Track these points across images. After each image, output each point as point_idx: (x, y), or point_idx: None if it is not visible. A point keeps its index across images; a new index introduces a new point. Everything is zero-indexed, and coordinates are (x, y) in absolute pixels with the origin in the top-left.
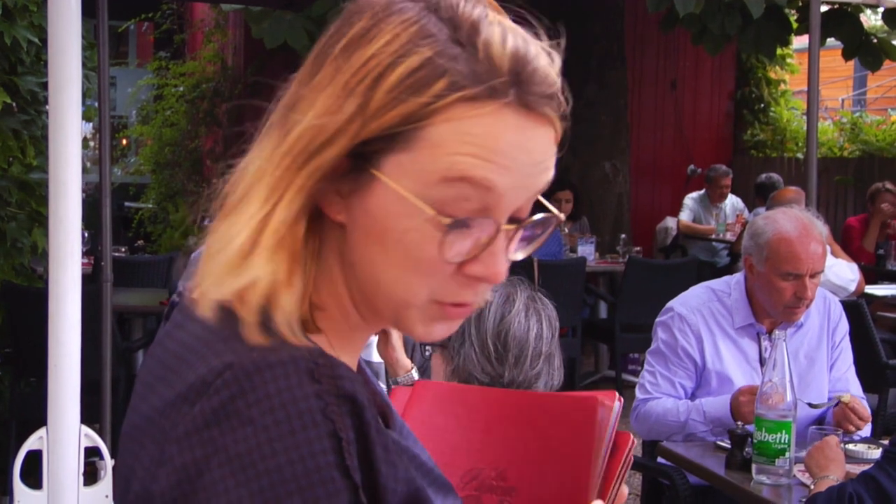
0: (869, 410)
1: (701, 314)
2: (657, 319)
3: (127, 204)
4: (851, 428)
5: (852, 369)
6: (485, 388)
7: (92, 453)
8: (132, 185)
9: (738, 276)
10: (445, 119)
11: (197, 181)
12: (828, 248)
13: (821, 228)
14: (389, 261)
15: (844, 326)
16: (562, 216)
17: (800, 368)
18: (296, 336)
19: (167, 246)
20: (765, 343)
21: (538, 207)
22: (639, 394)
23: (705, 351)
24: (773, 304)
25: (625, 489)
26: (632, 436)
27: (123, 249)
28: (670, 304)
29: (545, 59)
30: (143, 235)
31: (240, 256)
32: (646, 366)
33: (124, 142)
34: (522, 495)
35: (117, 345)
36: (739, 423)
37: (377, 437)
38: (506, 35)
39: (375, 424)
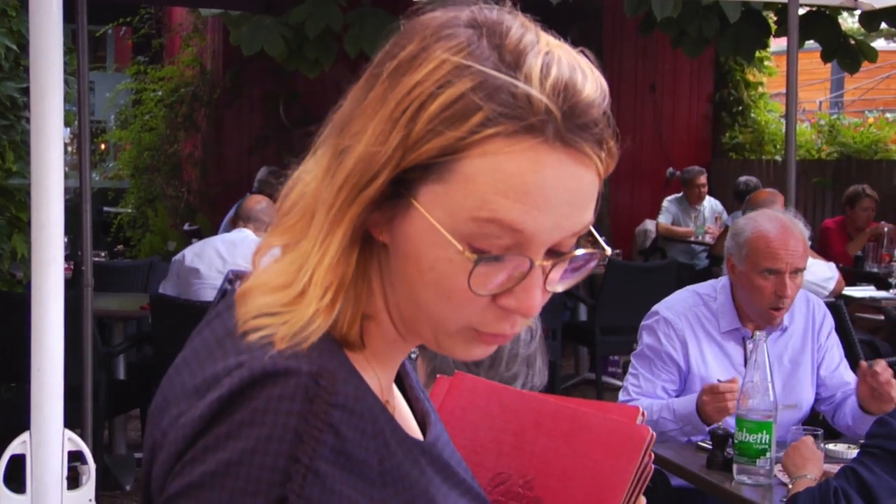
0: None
1: (687, 319)
2: (642, 323)
3: (106, 209)
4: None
5: (844, 363)
6: (524, 391)
7: (74, 458)
8: (111, 189)
9: (723, 280)
10: (480, 154)
11: (176, 186)
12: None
13: (801, 228)
14: (425, 286)
15: (829, 324)
16: (609, 250)
17: (784, 372)
18: (313, 352)
19: (147, 251)
20: (750, 347)
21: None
22: (622, 396)
23: (690, 356)
24: (753, 305)
25: (641, 500)
26: (650, 432)
27: (103, 254)
28: (656, 307)
29: (591, 88)
30: (123, 240)
31: (300, 293)
32: (630, 369)
33: (102, 147)
34: None
35: (98, 350)
36: (720, 424)
37: (362, 470)
38: (550, 67)
39: (363, 456)
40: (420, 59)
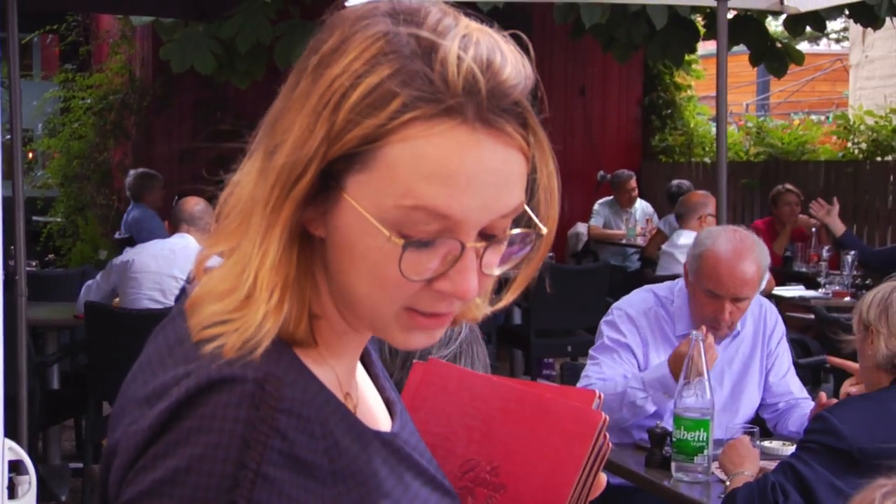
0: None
1: (647, 319)
2: (603, 319)
3: (35, 218)
4: None
5: (792, 371)
6: (494, 377)
7: (11, 468)
8: (39, 198)
9: (680, 283)
10: (401, 140)
11: (106, 194)
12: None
13: (759, 255)
14: (358, 275)
15: (780, 330)
16: (545, 229)
17: (734, 376)
18: (260, 357)
19: (77, 259)
20: None
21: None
22: (581, 384)
23: (649, 355)
24: (696, 316)
25: (602, 477)
26: (603, 416)
27: (34, 263)
28: (617, 304)
29: (511, 70)
30: (53, 249)
31: (246, 297)
32: (589, 361)
33: (30, 155)
34: (508, 494)
35: (32, 359)
36: (658, 422)
37: (312, 471)
38: (467, 48)
39: (312, 458)
40: (340, 51)
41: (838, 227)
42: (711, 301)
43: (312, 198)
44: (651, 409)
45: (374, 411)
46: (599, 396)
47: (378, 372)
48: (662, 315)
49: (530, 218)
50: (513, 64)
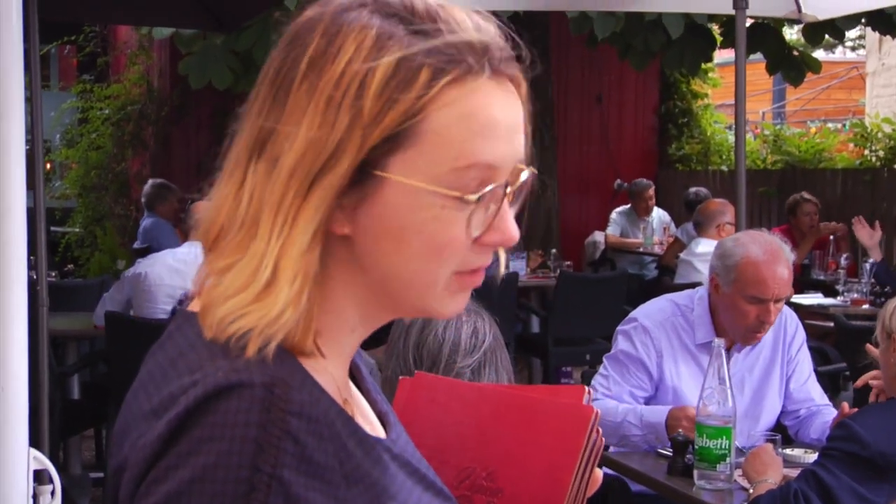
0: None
1: (664, 329)
2: (619, 327)
3: (53, 228)
4: None
5: (813, 377)
6: (482, 384)
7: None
8: (57, 209)
9: (701, 291)
10: (441, 106)
11: (124, 204)
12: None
13: (788, 254)
14: (410, 254)
15: (801, 337)
16: (534, 171)
17: (754, 383)
18: (271, 356)
19: (95, 270)
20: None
21: None
22: None
23: (664, 366)
24: (735, 326)
25: (598, 472)
26: (594, 409)
27: (53, 274)
28: (634, 314)
29: (495, 27)
30: (71, 259)
31: (265, 287)
32: (601, 368)
33: (48, 166)
34: (506, 497)
35: (52, 369)
36: (680, 430)
37: (324, 473)
38: (460, 13)
39: (324, 460)
40: (334, 47)
41: (877, 254)
42: (756, 307)
43: (344, 194)
44: (643, 447)
45: (370, 420)
46: (589, 392)
47: (368, 386)
48: (681, 324)
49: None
50: (490, 21)
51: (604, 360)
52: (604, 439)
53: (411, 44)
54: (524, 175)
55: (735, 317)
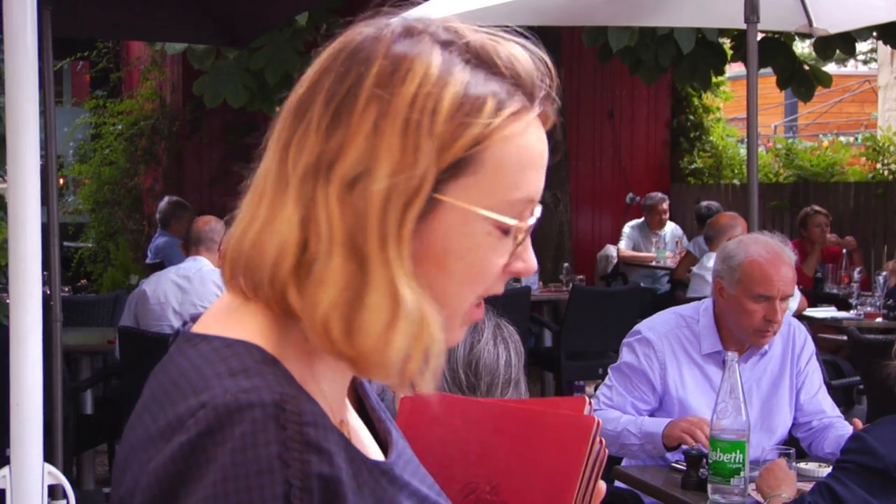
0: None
1: (668, 340)
2: (625, 340)
3: (66, 244)
4: None
5: (823, 389)
6: (483, 400)
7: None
8: (70, 224)
9: (706, 303)
10: (503, 137)
11: (137, 219)
12: None
13: (790, 253)
14: (448, 279)
15: (810, 349)
16: (539, 206)
17: (762, 395)
18: (269, 382)
19: (108, 285)
20: None
21: None
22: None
23: (668, 378)
24: (742, 328)
25: (601, 485)
26: (596, 419)
27: (67, 289)
28: (639, 326)
29: (537, 59)
30: (84, 275)
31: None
32: (606, 379)
33: (61, 181)
34: None
35: (66, 384)
36: (695, 443)
37: (350, 482)
38: (508, 44)
39: (348, 469)
40: (403, 69)
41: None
42: (762, 305)
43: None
44: (642, 457)
45: (366, 443)
46: (590, 403)
47: (374, 405)
48: (686, 335)
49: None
50: (537, 52)
51: (609, 371)
52: (607, 450)
53: (474, 74)
54: (538, 209)
55: (742, 318)
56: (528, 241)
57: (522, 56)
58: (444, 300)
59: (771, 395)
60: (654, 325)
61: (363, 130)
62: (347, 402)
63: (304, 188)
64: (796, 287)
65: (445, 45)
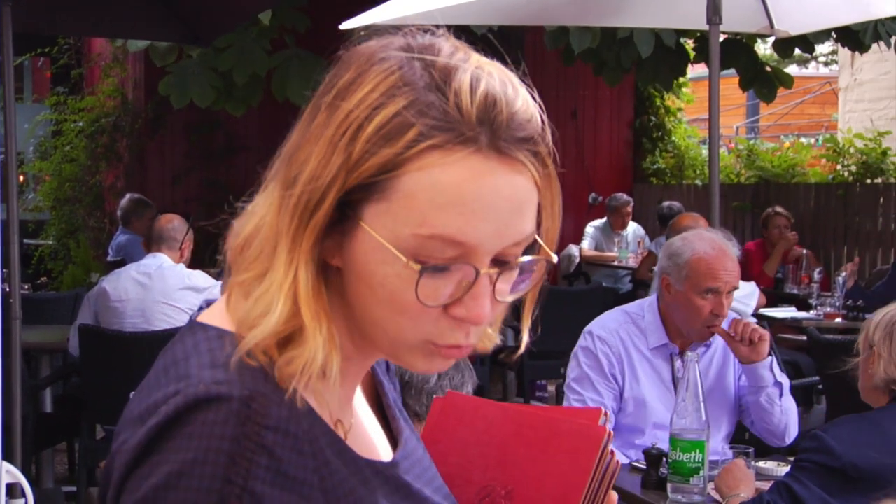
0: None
1: (619, 335)
2: (578, 345)
3: (26, 241)
4: (745, 344)
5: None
6: (504, 404)
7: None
8: (31, 221)
9: (650, 299)
10: (418, 168)
11: (98, 217)
12: None
13: (733, 248)
14: (377, 301)
15: None
16: (555, 258)
17: (708, 387)
18: (246, 377)
19: (69, 283)
20: (677, 363)
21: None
22: None
23: (625, 373)
24: (690, 323)
25: (613, 495)
26: (607, 430)
27: (26, 286)
28: (588, 328)
29: (522, 102)
30: (45, 272)
31: (286, 323)
32: (572, 396)
33: (21, 178)
34: None
35: (25, 382)
36: (653, 443)
37: (301, 489)
38: (479, 81)
39: (301, 475)
40: (356, 84)
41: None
42: (710, 300)
43: (331, 228)
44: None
45: (371, 441)
46: (605, 414)
47: (390, 403)
48: (633, 331)
49: (537, 245)
50: (524, 97)
51: (570, 385)
52: (618, 460)
53: (417, 99)
54: (524, 260)
55: (689, 314)
56: (481, 291)
57: (479, 91)
58: (380, 324)
59: (716, 384)
60: (604, 323)
61: (312, 136)
62: (361, 398)
63: (270, 182)
64: (754, 284)
65: (425, 66)
